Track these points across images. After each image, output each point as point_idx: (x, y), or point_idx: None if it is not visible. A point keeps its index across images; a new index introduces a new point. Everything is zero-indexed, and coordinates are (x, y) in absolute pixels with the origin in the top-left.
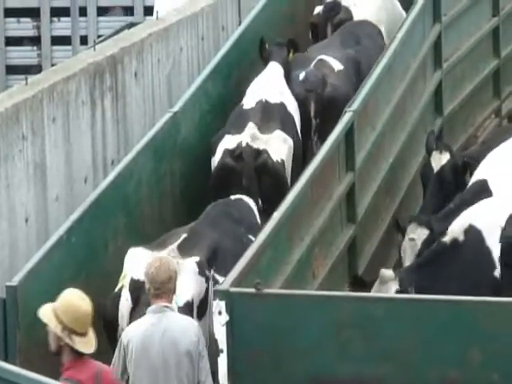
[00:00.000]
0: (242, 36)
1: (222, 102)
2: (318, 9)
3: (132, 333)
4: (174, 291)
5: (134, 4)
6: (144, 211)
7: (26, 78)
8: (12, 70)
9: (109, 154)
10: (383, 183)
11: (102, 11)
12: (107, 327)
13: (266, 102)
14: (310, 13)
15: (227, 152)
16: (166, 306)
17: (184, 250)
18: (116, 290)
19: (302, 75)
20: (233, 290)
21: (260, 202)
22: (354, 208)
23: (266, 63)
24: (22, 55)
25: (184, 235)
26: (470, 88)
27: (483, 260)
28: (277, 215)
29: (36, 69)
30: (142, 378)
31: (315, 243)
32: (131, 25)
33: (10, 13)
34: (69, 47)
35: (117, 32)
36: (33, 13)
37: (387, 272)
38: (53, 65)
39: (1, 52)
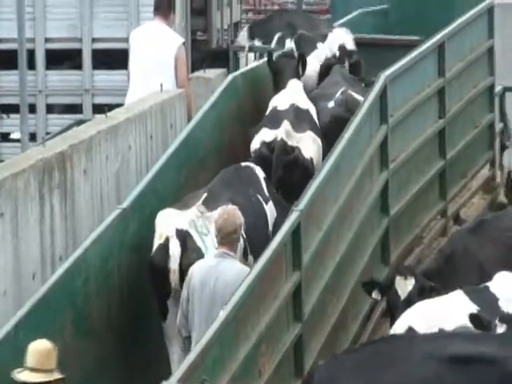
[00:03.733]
0: (190, 134)
1: (170, 199)
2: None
3: (195, 270)
4: (238, 240)
5: (82, 102)
6: (92, 307)
7: None
8: None
9: (57, 250)
10: (330, 281)
11: (51, 109)
12: (155, 276)
13: (297, 106)
14: (255, 113)
15: (264, 144)
16: (227, 253)
17: (208, 205)
18: (156, 246)
19: (331, 103)
20: None
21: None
22: (300, 307)
23: (274, 73)
24: None
25: (205, 194)
26: (416, 189)
27: None
28: (223, 313)
29: None
30: (197, 308)
31: (262, 341)
32: (80, 122)
33: None
34: (17, 144)
35: (66, 129)
36: None
37: None
38: (1, 161)
39: None
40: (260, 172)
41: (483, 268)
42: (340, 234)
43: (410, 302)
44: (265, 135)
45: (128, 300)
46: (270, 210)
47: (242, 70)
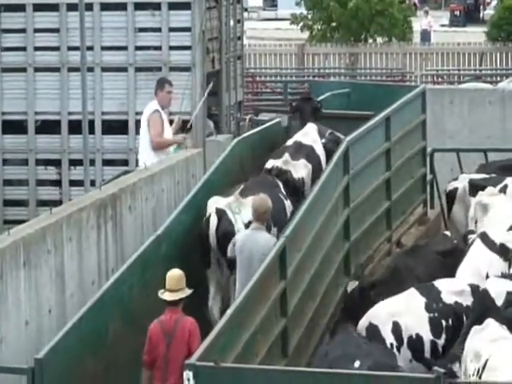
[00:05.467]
0: (206, 181)
1: (192, 227)
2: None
3: (238, 239)
4: (267, 218)
5: (128, 158)
6: (135, 306)
7: (51, 209)
8: (41, 203)
9: (110, 264)
10: (306, 288)
11: (106, 162)
12: (202, 239)
13: (300, 143)
14: (253, 166)
15: (266, 170)
16: (259, 227)
17: (243, 194)
18: (204, 219)
19: (324, 139)
20: (198, 363)
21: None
22: (285, 306)
23: (293, 113)
24: (48, 193)
25: (242, 187)
26: (370, 222)
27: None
28: (229, 311)
29: (58, 203)
30: (241, 267)
31: (258, 331)
32: (126, 172)
33: (39, 161)
34: (82, 187)
35: (116, 177)
36: (56, 162)
37: None
38: (70, 200)
39: (33, 190)
40: (279, 182)
41: (419, 279)
42: (314, 255)
43: (351, 296)
44: (268, 164)
45: (162, 303)
46: (289, 204)
47: (244, 135)
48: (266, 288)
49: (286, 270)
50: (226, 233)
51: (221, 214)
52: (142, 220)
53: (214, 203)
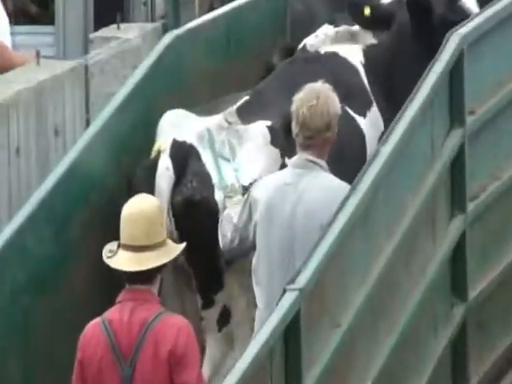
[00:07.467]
0: (89, 146)
1: (47, 263)
2: None
3: (263, 189)
4: (331, 142)
5: None
6: None
7: None
8: None
9: None
10: None
11: None
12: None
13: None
14: (210, 89)
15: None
16: (313, 162)
17: (246, 115)
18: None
19: None
20: None
21: None
22: None
23: None
24: None
25: (246, 97)
26: None
27: None
28: None
29: None
30: (262, 247)
31: None
32: None
33: None
34: None
35: None
36: None
37: None
38: None
39: None
40: (359, 58)
41: None
42: (374, 335)
43: None
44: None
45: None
46: (373, 121)
47: (189, 25)
48: None
49: (300, 375)
50: (196, 203)
51: (184, 155)
52: None
53: (172, 128)
